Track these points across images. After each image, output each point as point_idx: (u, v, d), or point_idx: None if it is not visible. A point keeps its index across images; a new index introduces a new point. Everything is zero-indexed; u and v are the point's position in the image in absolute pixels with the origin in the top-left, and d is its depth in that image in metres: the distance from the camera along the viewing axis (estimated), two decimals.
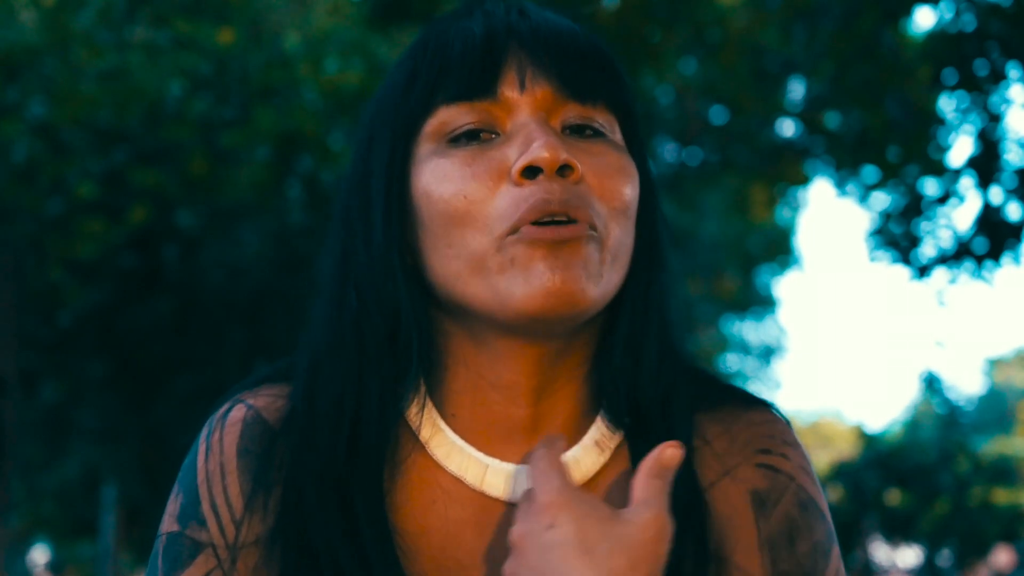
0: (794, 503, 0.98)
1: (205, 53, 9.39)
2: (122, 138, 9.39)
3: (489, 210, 0.89)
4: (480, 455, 0.95)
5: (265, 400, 0.99)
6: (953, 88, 7.86)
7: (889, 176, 9.55)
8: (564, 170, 0.90)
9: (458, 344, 0.96)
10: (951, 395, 23.71)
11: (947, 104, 8.70)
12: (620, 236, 0.92)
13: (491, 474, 0.95)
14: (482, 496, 0.95)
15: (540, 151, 0.88)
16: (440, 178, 0.91)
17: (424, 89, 0.94)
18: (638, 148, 0.99)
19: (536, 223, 0.88)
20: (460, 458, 0.96)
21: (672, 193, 13.24)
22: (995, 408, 39.70)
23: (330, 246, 0.99)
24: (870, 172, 10.09)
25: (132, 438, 11.86)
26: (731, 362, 23.62)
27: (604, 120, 0.95)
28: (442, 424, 0.96)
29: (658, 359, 0.97)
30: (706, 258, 16.55)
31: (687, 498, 0.95)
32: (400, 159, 0.95)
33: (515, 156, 0.90)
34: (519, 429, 0.96)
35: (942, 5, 7.73)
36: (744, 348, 24.26)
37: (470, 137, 0.92)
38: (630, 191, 0.93)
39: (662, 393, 0.98)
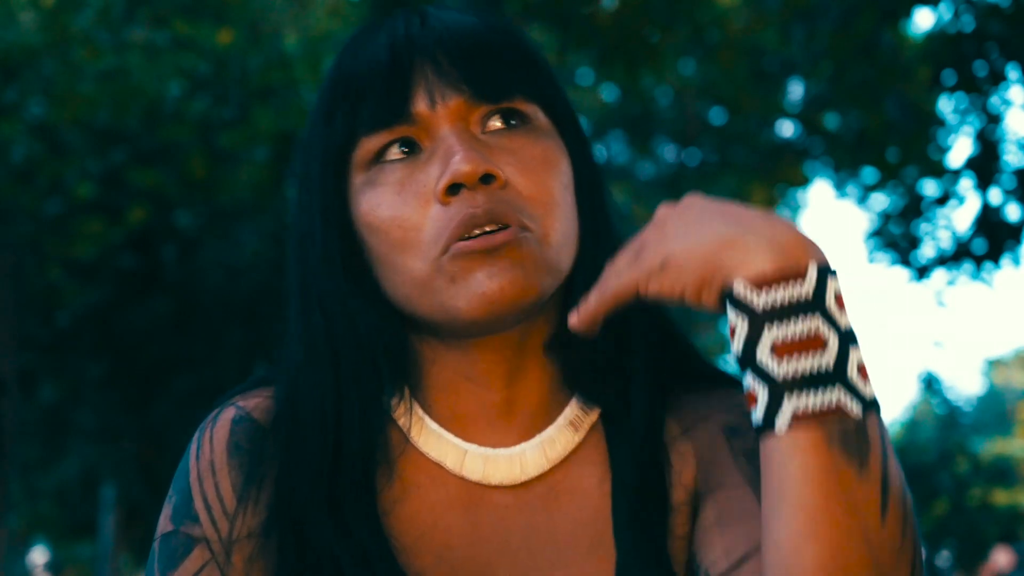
0: None
1: (204, 53, 9.38)
2: (121, 138, 9.38)
3: (423, 235, 0.92)
4: (458, 441, 0.99)
5: (255, 401, 1.02)
6: (952, 89, 7.86)
7: (888, 177, 9.56)
8: (487, 179, 0.92)
9: (428, 347, 0.99)
10: (950, 396, 23.72)
11: (946, 105, 8.71)
12: (559, 226, 0.95)
13: (469, 459, 0.98)
14: (463, 480, 0.98)
15: (459, 165, 0.91)
16: (374, 208, 0.95)
17: (343, 123, 0.97)
18: (570, 127, 1.01)
19: (466, 238, 0.91)
20: (439, 444, 0.99)
21: (671, 194, 13.23)
22: (994, 409, 39.69)
23: (290, 266, 1.03)
24: (869, 173, 10.10)
25: (131, 438, 11.85)
26: (731, 363, 23.62)
27: (524, 109, 0.97)
28: (422, 413, 1.00)
29: (607, 325, 0.98)
30: None
31: (649, 454, 0.99)
32: (335, 194, 0.98)
33: (438, 174, 0.92)
34: (495, 413, 0.99)
35: (941, 6, 7.73)
36: None
37: (397, 160, 0.95)
38: (557, 179, 0.96)
39: (620, 359, 1.00)
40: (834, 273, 0.83)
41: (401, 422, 1.00)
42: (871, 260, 9.29)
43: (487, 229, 0.91)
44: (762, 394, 0.81)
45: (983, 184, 8.10)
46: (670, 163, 12.51)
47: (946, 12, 7.79)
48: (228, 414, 1.01)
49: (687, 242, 0.84)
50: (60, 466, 12.82)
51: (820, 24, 7.91)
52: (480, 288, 0.90)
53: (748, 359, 0.82)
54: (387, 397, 1.00)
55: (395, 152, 0.95)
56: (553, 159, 0.96)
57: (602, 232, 1.01)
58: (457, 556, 0.96)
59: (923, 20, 36.90)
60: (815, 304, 0.81)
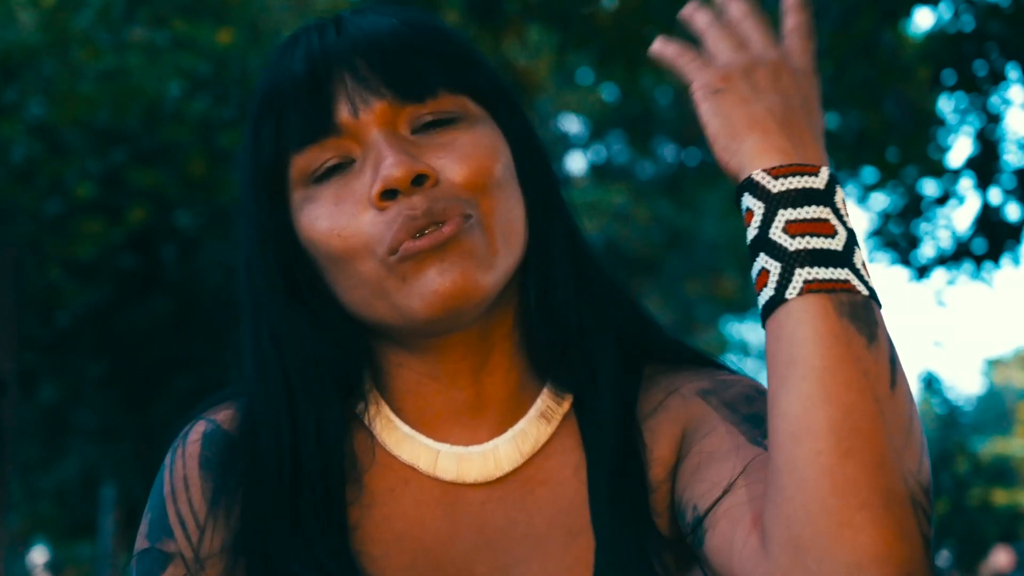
0: (749, 387, 1.00)
1: (204, 53, 9.37)
2: (121, 138, 9.38)
3: (364, 239, 0.92)
4: (430, 441, 0.99)
5: (225, 413, 1.02)
6: (952, 89, 7.85)
7: (888, 177, 9.55)
8: (420, 180, 0.91)
9: (391, 351, 0.99)
10: (950, 395, 23.68)
11: (946, 105, 8.70)
12: (497, 208, 0.94)
13: (442, 459, 0.98)
14: (438, 480, 0.98)
15: (390, 170, 0.90)
16: (313, 221, 0.94)
17: (270, 142, 0.96)
18: (505, 111, 1.00)
19: (411, 238, 0.91)
20: (411, 447, 0.99)
21: (671, 193, 13.22)
22: (994, 409, 39.68)
23: (240, 288, 1.04)
24: (869, 173, 10.08)
25: (131, 438, 11.85)
26: (730, 363, 23.60)
27: (451, 105, 0.96)
28: (392, 416, 0.99)
29: (566, 306, 0.99)
30: (705, 258, 16.54)
31: (622, 436, 0.99)
32: (272, 212, 0.98)
33: (371, 181, 0.92)
34: (464, 411, 0.99)
35: (941, 6, 7.73)
36: (744, 349, 24.26)
37: (332, 170, 0.94)
38: (494, 164, 0.95)
39: (582, 340, 1.00)
40: (841, 184, 0.88)
41: (372, 428, 0.99)
42: (871, 260, 9.28)
43: (428, 231, 0.91)
44: (774, 269, 0.85)
45: (983, 184, 8.09)
46: (670, 163, 12.52)
47: (946, 12, 7.79)
48: (200, 428, 1.01)
49: (743, 97, 0.90)
50: (60, 466, 12.82)
51: (819, 24, 7.87)
52: (432, 286, 0.90)
53: (762, 239, 0.86)
54: (353, 405, 1.00)
55: (328, 164, 0.94)
56: (487, 144, 0.95)
57: (552, 208, 1.01)
58: (435, 556, 0.96)
59: (923, 20, 36.90)
60: (826, 197, 0.86)
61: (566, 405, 1.00)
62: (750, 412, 0.96)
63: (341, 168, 0.94)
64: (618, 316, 1.03)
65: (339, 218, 0.93)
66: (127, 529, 13.98)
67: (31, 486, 13.55)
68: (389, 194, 0.91)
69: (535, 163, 1.01)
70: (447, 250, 0.90)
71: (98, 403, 11.71)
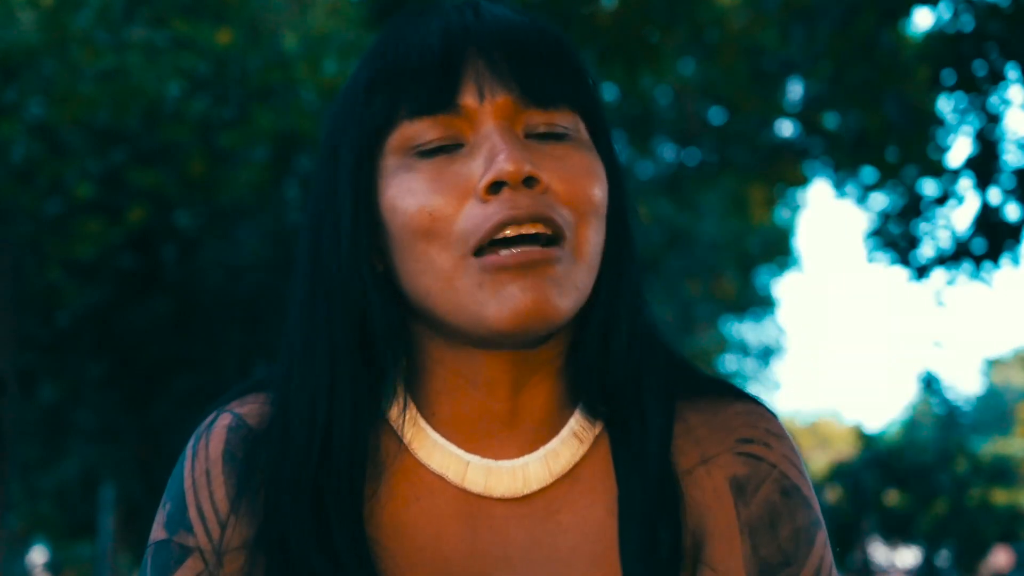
0: (776, 489, 0.98)
1: (204, 53, 9.38)
2: (121, 138, 9.39)
3: (455, 228, 0.90)
4: (460, 452, 0.97)
5: (249, 407, 1.00)
6: (952, 89, 7.86)
7: (888, 177, 9.55)
8: (529, 181, 0.90)
9: (434, 346, 0.97)
10: (950, 396, 23.67)
11: (945, 105, 8.70)
12: (591, 237, 0.93)
13: (472, 470, 0.96)
14: (464, 492, 0.96)
15: (504, 164, 0.89)
16: (406, 193, 0.92)
17: (384, 104, 0.94)
18: (605, 142, 0.99)
19: (502, 241, 0.89)
20: (441, 455, 0.97)
21: (670, 193, 13.22)
22: (994, 409, 39.70)
23: (301, 254, 0.99)
24: (868, 173, 10.09)
25: (130, 438, 11.85)
26: (730, 363, 23.62)
27: (567, 121, 0.95)
28: (423, 423, 0.98)
29: (629, 347, 0.98)
30: (705, 259, 16.54)
31: (662, 483, 0.96)
32: (366, 172, 0.95)
33: (480, 170, 0.90)
34: (498, 423, 0.97)
35: (940, 6, 7.73)
36: (743, 349, 24.26)
37: (439, 148, 0.93)
38: (598, 191, 0.94)
39: (634, 379, 0.98)
40: None
41: (401, 432, 0.97)
42: (870, 260, 9.28)
43: (525, 232, 0.89)
44: None
45: (982, 184, 8.10)
46: (670, 163, 12.52)
47: (945, 12, 7.80)
48: (224, 420, 0.99)
49: None
50: (60, 466, 12.82)
51: (820, 24, 7.92)
52: (512, 301, 0.88)
53: None
54: (385, 404, 0.98)
55: (435, 141, 0.92)
56: (594, 171, 0.94)
57: (625, 254, 1.00)
58: (456, 569, 0.95)
59: (922, 20, 36.90)
60: None
61: (597, 429, 0.99)
62: (769, 552, 0.95)
63: (447, 148, 0.92)
64: (661, 351, 1.02)
65: (435, 198, 0.90)
66: (127, 529, 13.98)
67: (31, 486, 13.55)
68: (496, 187, 0.89)
69: (620, 203, 1.00)
70: (533, 272, 0.89)
71: (98, 403, 11.71)
